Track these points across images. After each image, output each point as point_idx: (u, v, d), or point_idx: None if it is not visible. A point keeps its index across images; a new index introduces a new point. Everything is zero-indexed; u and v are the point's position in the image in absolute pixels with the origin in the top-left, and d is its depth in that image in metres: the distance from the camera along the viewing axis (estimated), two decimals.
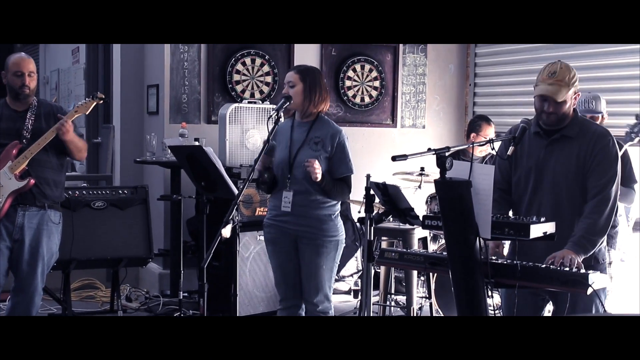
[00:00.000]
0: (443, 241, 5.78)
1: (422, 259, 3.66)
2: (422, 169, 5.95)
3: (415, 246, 5.68)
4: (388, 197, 3.90)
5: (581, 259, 3.48)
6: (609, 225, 3.62)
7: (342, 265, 6.46)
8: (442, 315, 5.75)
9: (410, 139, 7.81)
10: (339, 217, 4.51)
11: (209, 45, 6.90)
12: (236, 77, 6.99)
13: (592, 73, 6.41)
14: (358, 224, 5.34)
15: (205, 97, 6.95)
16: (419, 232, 5.72)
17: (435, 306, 5.78)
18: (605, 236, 3.67)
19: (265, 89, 7.10)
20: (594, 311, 3.59)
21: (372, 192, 3.86)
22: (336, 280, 5.68)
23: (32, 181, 4.61)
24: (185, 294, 6.10)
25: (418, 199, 5.85)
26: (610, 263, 4.27)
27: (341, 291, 7.10)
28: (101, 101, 4.83)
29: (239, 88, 7.00)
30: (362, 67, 7.54)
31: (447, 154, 3.28)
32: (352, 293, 7.10)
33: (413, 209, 3.91)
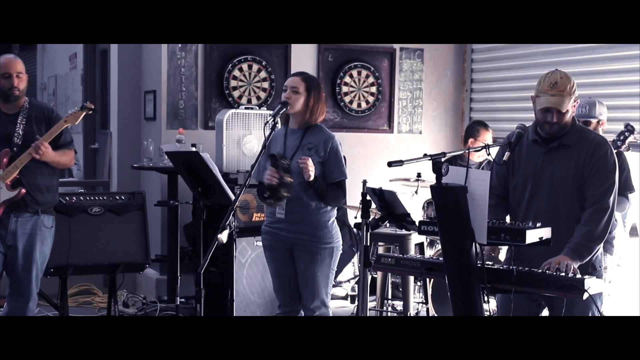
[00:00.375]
0: (439, 246, 5.78)
1: (418, 264, 3.67)
2: (419, 174, 5.96)
3: (412, 251, 5.69)
4: (384, 202, 3.91)
5: (577, 265, 3.48)
6: (606, 233, 3.63)
7: (339, 270, 6.47)
8: None
9: (407, 144, 7.81)
10: (336, 223, 4.51)
11: (206, 51, 6.90)
12: (233, 83, 7.00)
13: (589, 79, 6.42)
14: (355, 230, 5.34)
15: (202, 103, 6.96)
16: (416, 238, 5.72)
17: (432, 311, 5.79)
18: (602, 243, 3.68)
19: (262, 94, 7.11)
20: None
21: (368, 197, 3.87)
22: (333, 286, 5.68)
23: (23, 191, 4.58)
24: (182, 300, 6.10)
25: (414, 204, 5.86)
26: (605, 268, 4.28)
27: (338, 297, 7.09)
28: (90, 111, 4.78)
29: (236, 94, 7.01)
30: (359, 73, 7.55)
31: (443, 159, 3.30)
32: (349, 298, 7.10)
33: (409, 214, 3.92)
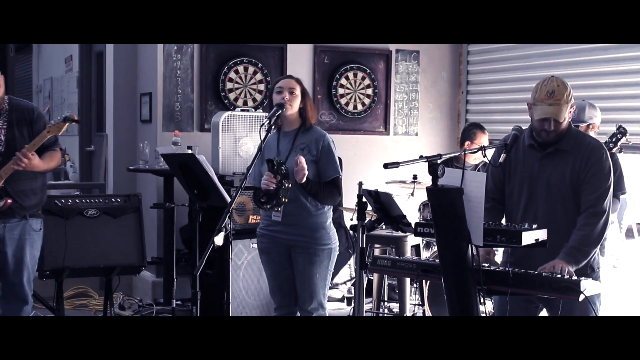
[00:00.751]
0: (436, 248, 5.78)
1: (414, 266, 3.66)
2: (415, 176, 5.96)
3: (408, 253, 5.69)
4: (380, 204, 3.91)
5: (573, 269, 3.48)
6: (602, 237, 3.64)
7: (335, 272, 6.46)
8: None
9: (403, 146, 7.82)
10: (332, 225, 4.51)
11: (201, 53, 6.90)
12: (229, 85, 6.99)
13: (585, 81, 6.43)
14: (351, 232, 5.34)
15: (198, 105, 6.95)
16: (412, 240, 5.72)
17: (428, 313, 5.79)
18: (599, 246, 3.69)
19: (258, 97, 7.10)
20: None
21: (364, 199, 3.87)
22: (329, 288, 5.68)
23: (10, 201, 4.54)
24: (179, 302, 6.09)
25: (411, 206, 5.86)
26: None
27: (334, 299, 7.09)
28: (73, 122, 4.67)
29: (231, 96, 7.00)
30: (355, 75, 7.55)
31: (439, 161, 3.29)
32: (345, 300, 7.10)
33: (405, 216, 3.92)
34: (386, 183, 6.13)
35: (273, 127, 4.33)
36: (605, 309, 4.66)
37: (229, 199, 4.73)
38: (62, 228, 5.43)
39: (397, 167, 3.40)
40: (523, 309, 3.75)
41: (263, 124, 4.26)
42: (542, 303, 3.77)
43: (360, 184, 3.94)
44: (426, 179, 3.61)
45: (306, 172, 4.20)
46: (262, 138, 4.23)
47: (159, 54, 6.78)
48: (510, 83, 7.33)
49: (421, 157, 3.39)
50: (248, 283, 5.88)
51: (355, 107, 7.59)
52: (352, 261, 6.82)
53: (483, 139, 6.01)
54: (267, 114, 4.44)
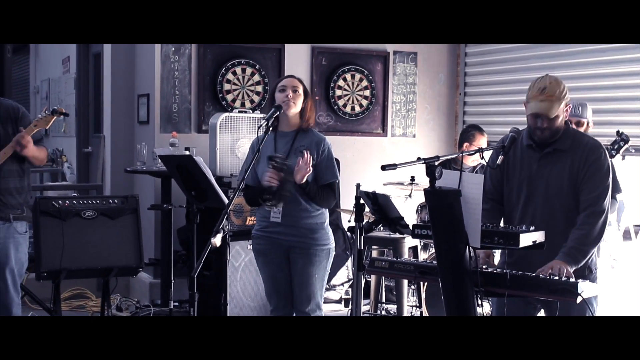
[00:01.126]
0: (433, 250, 5.79)
1: (412, 267, 3.66)
2: (413, 178, 5.96)
3: (406, 255, 5.69)
4: (378, 206, 3.91)
5: (572, 270, 3.49)
6: (601, 236, 3.63)
7: (332, 274, 6.45)
8: None
9: (400, 148, 7.82)
10: (329, 225, 4.51)
11: (199, 54, 6.90)
12: (227, 86, 6.99)
13: (582, 82, 6.44)
14: (348, 233, 5.34)
15: (195, 107, 6.95)
16: (409, 241, 5.72)
17: (425, 315, 5.78)
18: (597, 246, 3.69)
19: (256, 98, 7.10)
20: None
21: (362, 201, 3.87)
22: (327, 289, 5.67)
23: None
24: (176, 304, 6.09)
25: (408, 208, 5.86)
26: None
27: (332, 300, 7.08)
28: (61, 115, 4.68)
29: (229, 97, 7.00)
30: (353, 77, 7.55)
31: (436, 163, 3.29)
32: (342, 302, 7.09)
33: (403, 218, 3.92)
34: (384, 185, 6.13)
35: (270, 128, 4.33)
36: (603, 310, 4.66)
37: (226, 201, 4.73)
38: (60, 229, 5.42)
39: (395, 168, 3.40)
40: (521, 309, 3.75)
41: (261, 125, 4.26)
42: (540, 304, 3.77)
43: (358, 185, 3.94)
44: (424, 181, 3.60)
45: (310, 170, 4.21)
46: (260, 139, 4.24)
47: (156, 55, 6.78)
48: (508, 85, 7.34)
49: (419, 158, 3.39)
50: (245, 284, 5.88)
51: (352, 108, 7.59)
52: (349, 263, 6.82)
53: (482, 141, 6.01)
54: (265, 115, 4.43)
